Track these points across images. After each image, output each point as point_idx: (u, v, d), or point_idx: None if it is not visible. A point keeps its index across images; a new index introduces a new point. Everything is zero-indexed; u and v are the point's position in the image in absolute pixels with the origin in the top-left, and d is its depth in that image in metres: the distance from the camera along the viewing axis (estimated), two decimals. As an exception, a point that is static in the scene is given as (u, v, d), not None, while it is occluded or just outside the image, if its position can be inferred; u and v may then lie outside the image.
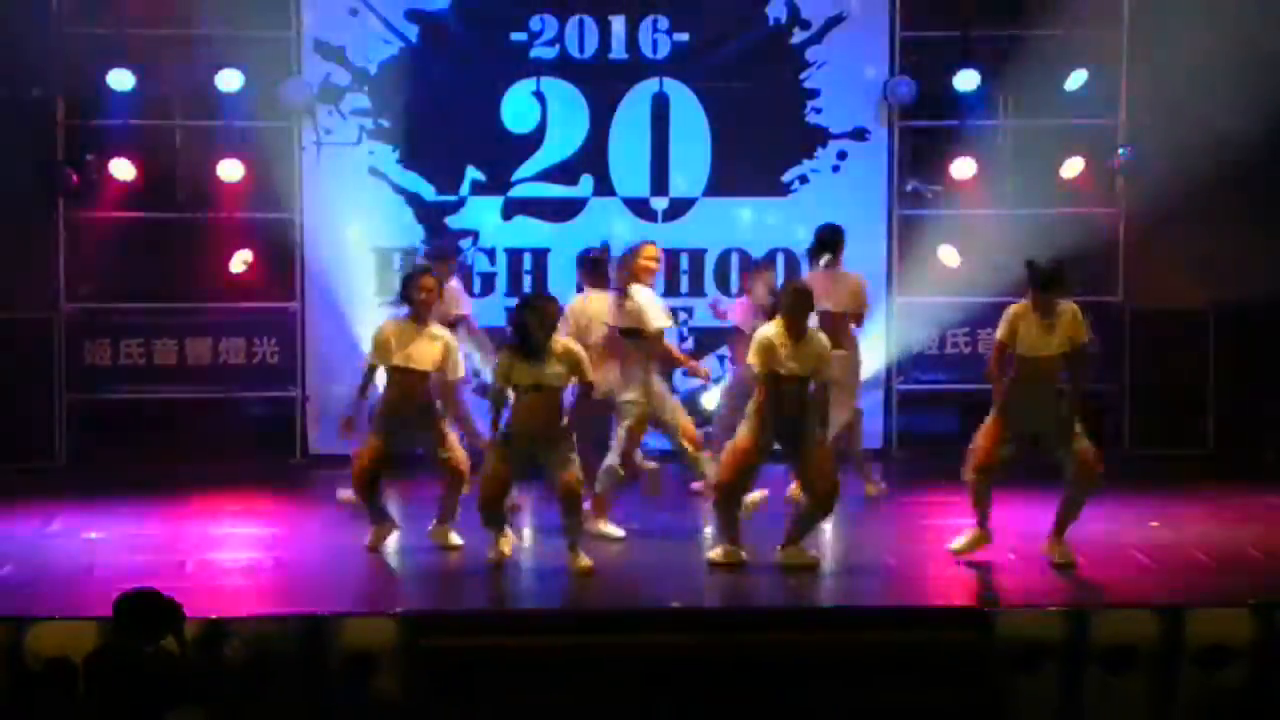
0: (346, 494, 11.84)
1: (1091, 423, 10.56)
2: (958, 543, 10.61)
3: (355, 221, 14.08)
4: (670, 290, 13.92)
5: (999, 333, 10.60)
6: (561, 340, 10.47)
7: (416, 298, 10.90)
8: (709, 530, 10.99)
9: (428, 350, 10.85)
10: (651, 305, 11.37)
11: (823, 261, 12.44)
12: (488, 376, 12.67)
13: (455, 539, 10.86)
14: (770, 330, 10.46)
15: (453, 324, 11.89)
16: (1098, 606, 9.49)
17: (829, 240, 12.51)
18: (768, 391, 10.39)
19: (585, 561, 10.24)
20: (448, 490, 10.85)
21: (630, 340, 11.32)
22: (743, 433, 10.46)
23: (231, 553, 10.99)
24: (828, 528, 11.41)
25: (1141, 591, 9.91)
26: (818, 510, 10.47)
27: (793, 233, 14.06)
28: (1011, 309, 10.59)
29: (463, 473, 10.81)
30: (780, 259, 14.10)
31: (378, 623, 9.24)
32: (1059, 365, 10.47)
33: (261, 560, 10.85)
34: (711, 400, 12.94)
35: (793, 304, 10.45)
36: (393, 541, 10.98)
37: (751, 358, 10.47)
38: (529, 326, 10.32)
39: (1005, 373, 10.55)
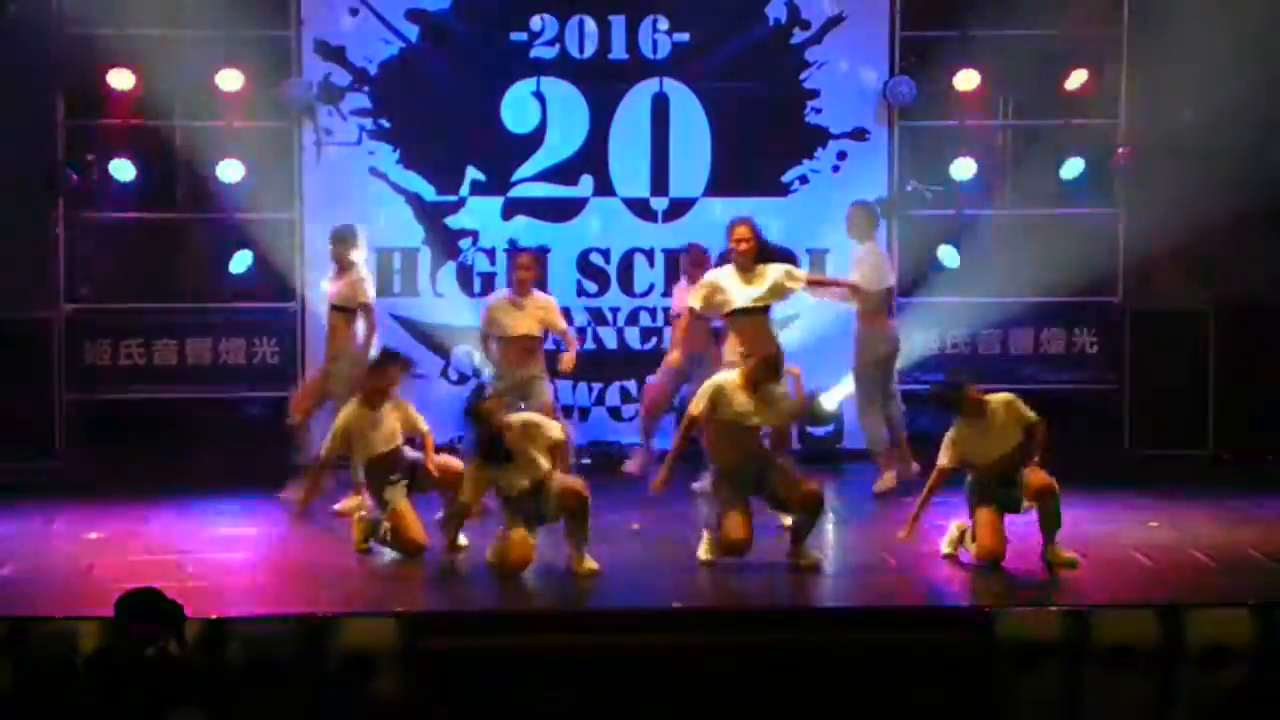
0: (343, 505, 11.87)
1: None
2: (945, 546, 10.64)
3: (355, 221, 14.04)
4: (670, 290, 13.93)
5: (943, 458, 10.47)
6: (517, 428, 10.39)
7: (380, 386, 10.95)
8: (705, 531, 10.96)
9: (393, 427, 10.92)
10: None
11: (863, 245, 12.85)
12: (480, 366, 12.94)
13: (461, 539, 10.84)
14: (724, 379, 10.46)
15: (353, 311, 12.33)
16: (1098, 606, 9.48)
17: (863, 214, 12.96)
18: (717, 434, 10.41)
19: (591, 564, 10.22)
20: (450, 504, 10.84)
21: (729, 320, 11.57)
22: (723, 515, 10.41)
23: (231, 553, 10.99)
24: (829, 528, 11.43)
25: (1141, 591, 9.91)
26: (807, 518, 10.47)
27: (793, 233, 14.06)
28: (949, 436, 10.49)
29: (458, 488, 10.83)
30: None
31: (378, 623, 9.23)
32: (1017, 454, 10.44)
33: (262, 560, 10.85)
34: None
35: (759, 370, 10.39)
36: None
37: (694, 405, 10.49)
38: (488, 439, 10.26)
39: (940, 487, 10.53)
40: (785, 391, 10.57)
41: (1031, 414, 10.49)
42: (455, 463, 10.91)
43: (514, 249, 13.81)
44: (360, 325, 12.46)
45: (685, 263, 13.10)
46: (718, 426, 10.44)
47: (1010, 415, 10.46)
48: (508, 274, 13.26)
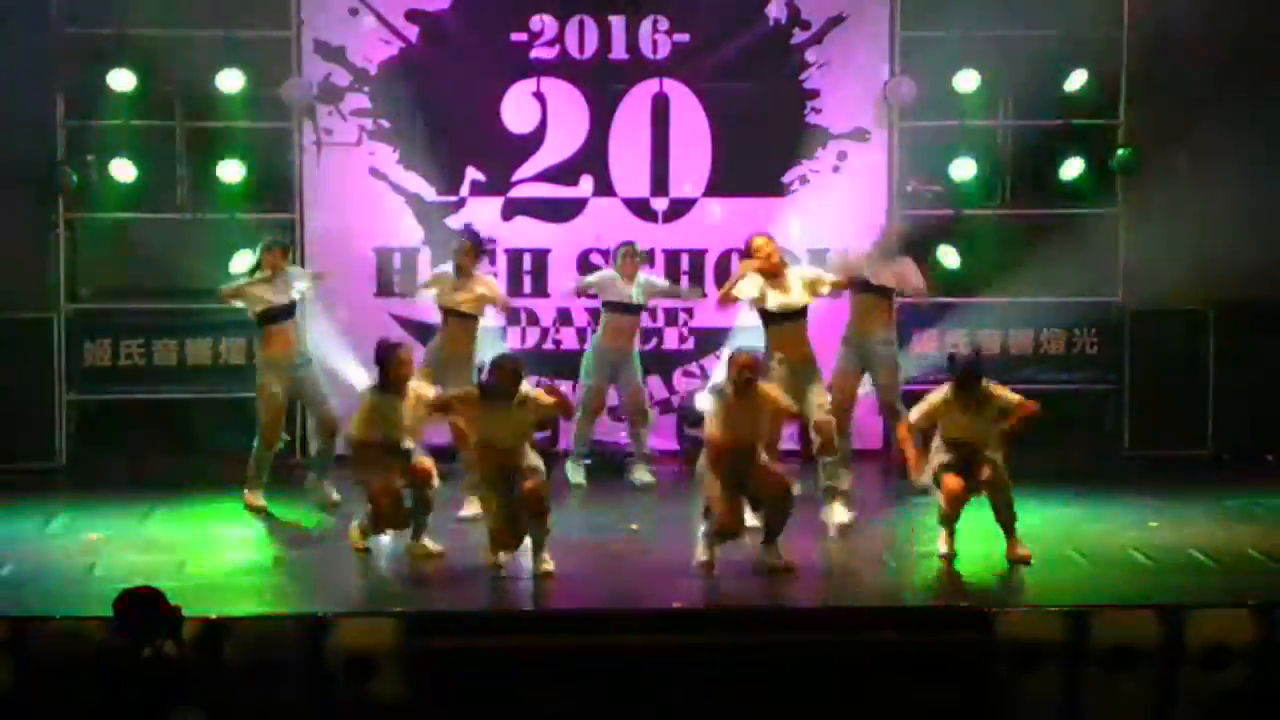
0: (338, 499, 11.91)
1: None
2: (942, 547, 10.64)
3: (355, 222, 14.08)
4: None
5: (914, 416, 10.56)
6: (525, 391, 10.45)
7: (398, 373, 10.88)
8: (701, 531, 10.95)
9: (419, 414, 10.92)
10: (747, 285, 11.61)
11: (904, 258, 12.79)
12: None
13: (436, 546, 10.81)
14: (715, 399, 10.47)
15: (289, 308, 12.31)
16: (1098, 606, 9.48)
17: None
18: (718, 453, 10.37)
19: (547, 565, 10.21)
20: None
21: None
22: (714, 499, 10.38)
23: (231, 553, 11.00)
24: (829, 524, 11.43)
25: (1141, 591, 9.92)
26: (775, 510, 10.42)
27: (793, 233, 14.05)
28: (931, 400, 10.56)
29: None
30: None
31: (377, 623, 9.25)
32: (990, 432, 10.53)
33: (261, 560, 10.86)
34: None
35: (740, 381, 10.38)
36: (390, 542, 10.97)
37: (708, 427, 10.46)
38: (503, 386, 10.34)
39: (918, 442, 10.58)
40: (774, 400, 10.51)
41: (1014, 398, 10.55)
42: (427, 461, 10.89)
43: (469, 233, 13.50)
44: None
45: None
46: (720, 448, 10.42)
47: (1000, 405, 10.52)
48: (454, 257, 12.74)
